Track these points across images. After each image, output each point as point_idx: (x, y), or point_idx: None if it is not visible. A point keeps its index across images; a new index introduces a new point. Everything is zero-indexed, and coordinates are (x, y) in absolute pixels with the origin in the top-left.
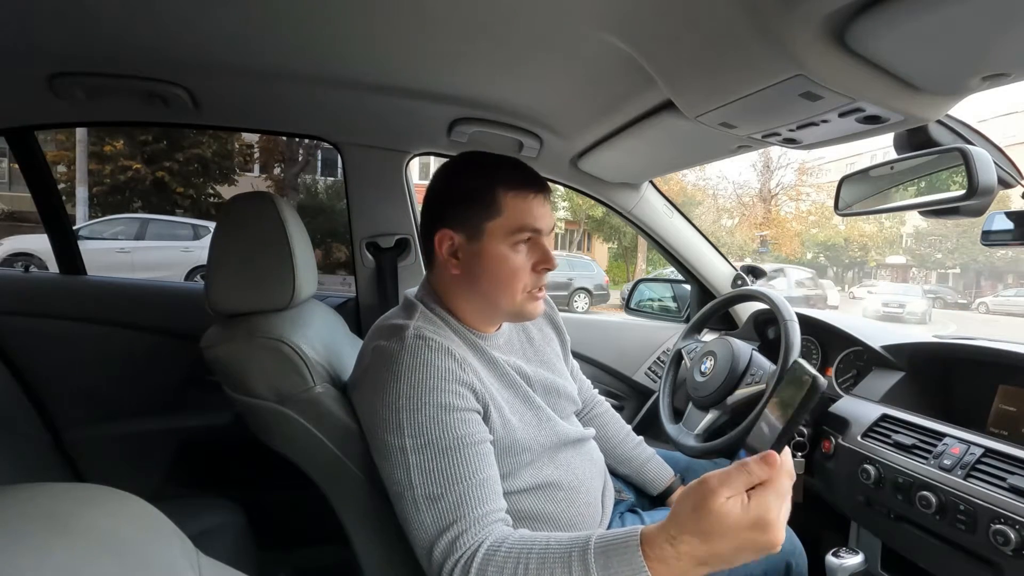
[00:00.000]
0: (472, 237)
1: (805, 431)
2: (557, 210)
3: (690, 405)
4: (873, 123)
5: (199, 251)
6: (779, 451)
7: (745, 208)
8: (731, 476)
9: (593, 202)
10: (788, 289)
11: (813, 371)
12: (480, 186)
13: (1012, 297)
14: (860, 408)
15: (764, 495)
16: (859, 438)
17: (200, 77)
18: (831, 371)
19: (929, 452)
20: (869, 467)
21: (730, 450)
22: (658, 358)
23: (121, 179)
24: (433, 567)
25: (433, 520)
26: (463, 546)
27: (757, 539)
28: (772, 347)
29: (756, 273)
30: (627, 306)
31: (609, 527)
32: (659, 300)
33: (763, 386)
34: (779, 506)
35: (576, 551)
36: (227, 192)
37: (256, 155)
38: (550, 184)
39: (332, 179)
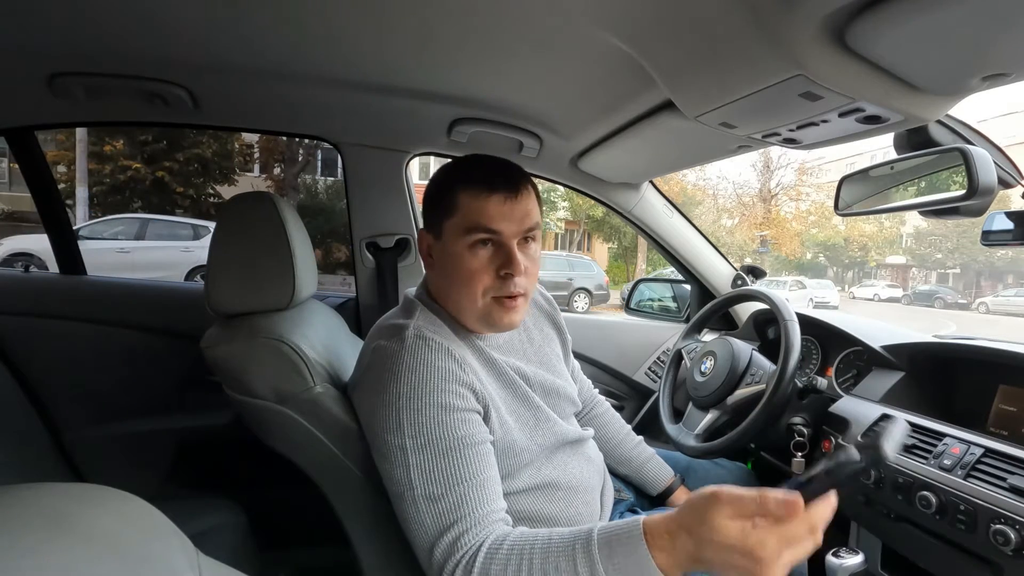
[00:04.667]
0: (437, 237)
1: (805, 431)
2: (557, 210)
3: (690, 405)
4: (873, 123)
5: (199, 251)
6: (806, 498)
7: (745, 208)
8: (743, 498)
9: (593, 202)
10: None
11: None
12: (441, 185)
13: (1012, 297)
14: (860, 408)
15: (766, 532)
16: (859, 438)
17: (200, 77)
18: (831, 371)
19: (929, 452)
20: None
21: (730, 450)
22: (658, 358)
23: (121, 179)
24: (434, 567)
25: (433, 520)
26: (464, 546)
27: (746, 567)
28: (772, 347)
29: (756, 273)
30: (627, 306)
31: None
32: (659, 300)
33: (763, 386)
34: (778, 549)
35: (580, 543)
36: (227, 192)
37: (256, 155)
38: (551, 184)
39: (332, 179)
